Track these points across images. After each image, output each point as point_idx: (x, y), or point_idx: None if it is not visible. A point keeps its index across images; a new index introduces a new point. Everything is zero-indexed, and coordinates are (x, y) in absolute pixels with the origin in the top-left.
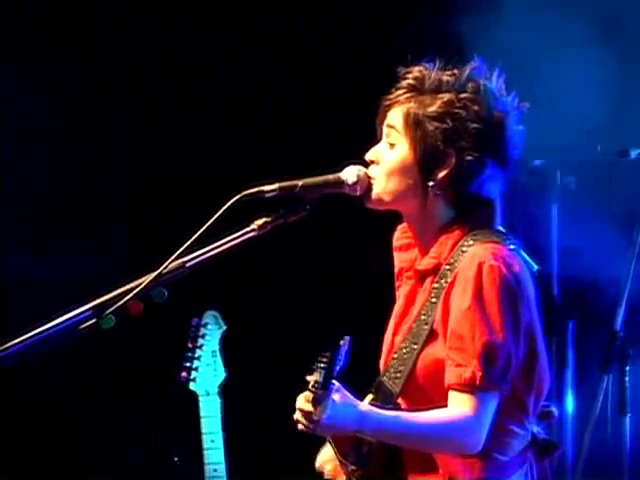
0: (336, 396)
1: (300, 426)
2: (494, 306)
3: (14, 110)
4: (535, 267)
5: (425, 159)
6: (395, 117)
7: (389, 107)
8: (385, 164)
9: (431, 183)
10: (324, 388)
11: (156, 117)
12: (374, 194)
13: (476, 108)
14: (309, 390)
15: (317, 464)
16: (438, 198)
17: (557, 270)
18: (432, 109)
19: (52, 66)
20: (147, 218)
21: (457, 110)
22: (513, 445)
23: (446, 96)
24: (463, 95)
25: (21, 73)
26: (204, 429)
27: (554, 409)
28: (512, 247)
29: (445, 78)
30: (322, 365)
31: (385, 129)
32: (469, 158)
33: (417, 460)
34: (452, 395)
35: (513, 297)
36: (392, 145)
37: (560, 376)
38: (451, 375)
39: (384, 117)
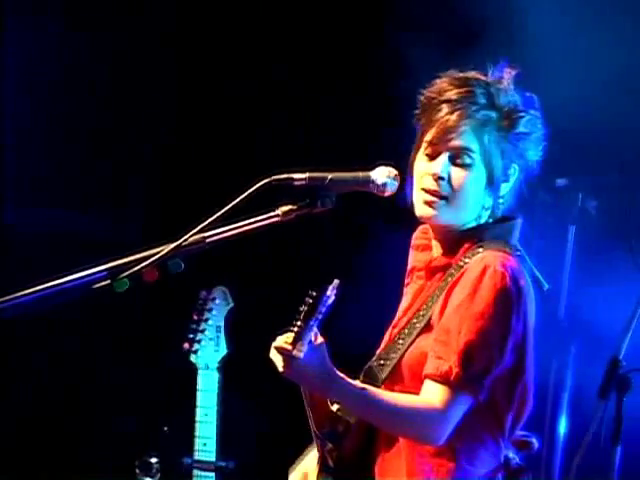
0: (318, 346)
1: (279, 364)
2: (487, 309)
3: (37, 62)
4: (545, 286)
5: (497, 179)
6: (469, 137)
7: (456, 124)
8: (462, 188)
9: (500, 200)
10: (305, 325)
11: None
12: (445, 217)
13: (540, 127)
14: (290, 329)
15: None
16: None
17: (567, 291)
18: (509, 129)
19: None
20: (165, 175)
21: (528, 130)
22: (483, 457)
23: (519, 115)
24: (531, 115)
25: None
26: (199, 402)
27: (534, 440)
28: (521, 262)
29: (511, 97)
30: (306, 305)
31: (453, 145)
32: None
33: (387, 454)
34: (426, 383)
35: (509, 306)
36: (463, 166)
37: (556, 398)
38: (430, 365)
39: (449, 132)
